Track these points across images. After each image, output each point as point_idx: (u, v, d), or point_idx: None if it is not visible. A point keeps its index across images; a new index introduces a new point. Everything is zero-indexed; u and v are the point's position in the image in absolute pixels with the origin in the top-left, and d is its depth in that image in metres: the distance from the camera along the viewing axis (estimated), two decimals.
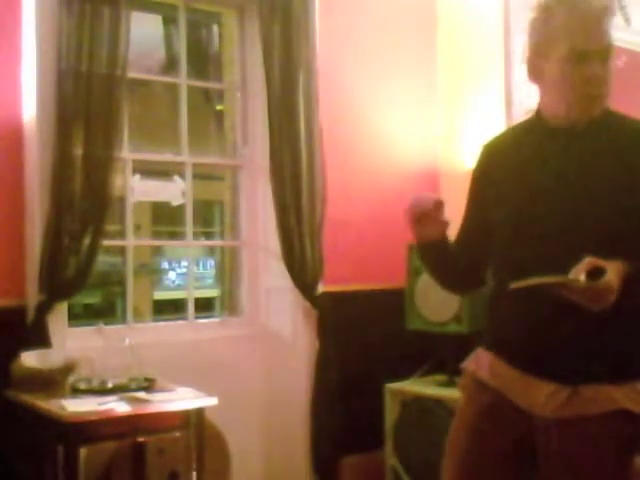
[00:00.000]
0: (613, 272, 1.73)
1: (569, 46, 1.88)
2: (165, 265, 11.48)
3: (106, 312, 9.16)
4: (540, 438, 1.94)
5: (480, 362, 2.06)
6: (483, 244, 2.09)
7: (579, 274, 1.72)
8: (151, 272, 10.65)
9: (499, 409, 1.99)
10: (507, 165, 2.04)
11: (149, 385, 3.05)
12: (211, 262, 10.78)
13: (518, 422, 1.96)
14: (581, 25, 1.87)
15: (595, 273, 1.72)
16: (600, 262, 1.73)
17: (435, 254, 2.14)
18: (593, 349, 1.87)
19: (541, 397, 1.91)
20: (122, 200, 3.66)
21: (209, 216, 10.54)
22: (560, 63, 1.90)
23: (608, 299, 1.73)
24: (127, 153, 3.57)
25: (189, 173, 3.86)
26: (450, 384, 3.69)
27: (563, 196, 1.91)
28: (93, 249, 3.22)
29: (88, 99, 3.19)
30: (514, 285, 1.79)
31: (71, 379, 3.01)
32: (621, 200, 1.87)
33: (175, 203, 3.88)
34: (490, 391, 2.01)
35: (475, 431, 2.02)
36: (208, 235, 10.25)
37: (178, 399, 2.96)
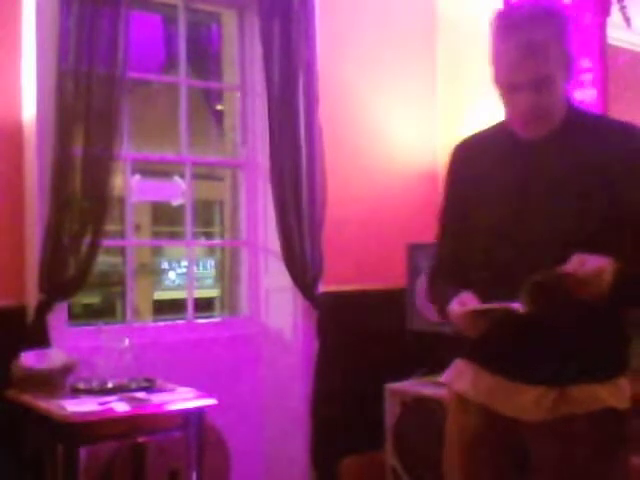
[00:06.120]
0: (601, 260, 1.73)
1: (499, 77, 1.87)
2: (165, 265, 11.50)
3: (106, 312, 9.19)
4: (532, 443, 1.94)
5: (462, 377, 2.04)
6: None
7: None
8: (151, 272, 10.67)
9: (489, 429, 1.98)
10: (476, 172, 2.03)
11: (149, 385, 3.04)
12: (211, 262, 10.80)
13: (510, 434, 1.95)
14: (512, 58, 1.81)
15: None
16: (587, 256, 1.73)
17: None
18: (575, 348, 1.87)
19: (528, 402, 1.90)
20: (122, 200, 3.67)
21: (209, 216, 10.55)
22: (496, 87, 1.90)
23: (602, 281, 1.72)
24: (127, 153, 3.57)
25: (189, 173, 3.87)
26: None
27: (527, 209, 1.91)
28: (93, 249, 3.22)
29: (88, 99, 3.18)
30: (473, 309, 1.82)
31: (71, 379, 3.02)
32: (578, 210, 1.85)
33: (175, 203, 3.88)
34: (475, 410, 1.99)
35: (471, 458, 2.01)
36: (208, 235, 10.26)
37: (178, 399, 2.95)
